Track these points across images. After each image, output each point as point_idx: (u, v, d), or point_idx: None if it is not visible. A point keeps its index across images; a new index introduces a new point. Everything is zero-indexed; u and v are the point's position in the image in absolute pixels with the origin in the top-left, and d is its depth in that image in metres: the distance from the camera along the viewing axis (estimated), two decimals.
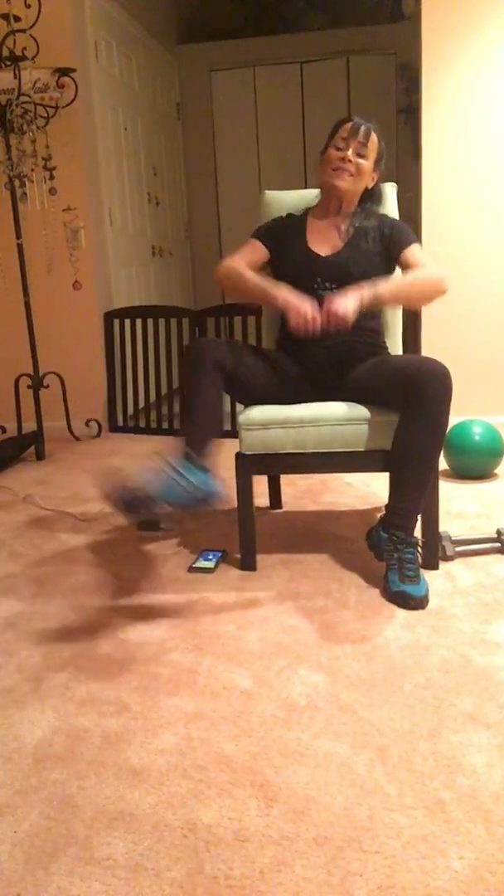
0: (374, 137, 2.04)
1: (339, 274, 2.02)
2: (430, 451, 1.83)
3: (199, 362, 1.90)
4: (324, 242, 2.09)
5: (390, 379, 1.89)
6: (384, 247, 2.07)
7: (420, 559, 1.91)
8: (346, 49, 5.32)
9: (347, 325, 1.83)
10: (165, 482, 1.67)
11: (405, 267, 2.07)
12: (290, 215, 2.20)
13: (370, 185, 2.11)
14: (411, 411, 1.82)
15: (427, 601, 1.80)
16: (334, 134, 2.05)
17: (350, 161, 2.02)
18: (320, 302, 1.96)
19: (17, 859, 1.07)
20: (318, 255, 2.07)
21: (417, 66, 3.47)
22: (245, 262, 2.08)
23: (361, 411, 1.94)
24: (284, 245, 2.11)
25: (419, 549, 1.92)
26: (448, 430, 2.82)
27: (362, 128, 2.01)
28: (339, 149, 2.03)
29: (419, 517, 1.92)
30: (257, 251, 2.13)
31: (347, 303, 1.82)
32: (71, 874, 1.04)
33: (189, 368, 1.92)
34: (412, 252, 2.06)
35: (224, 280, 2.06)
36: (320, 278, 2.04)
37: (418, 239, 2.15)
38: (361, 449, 1.95)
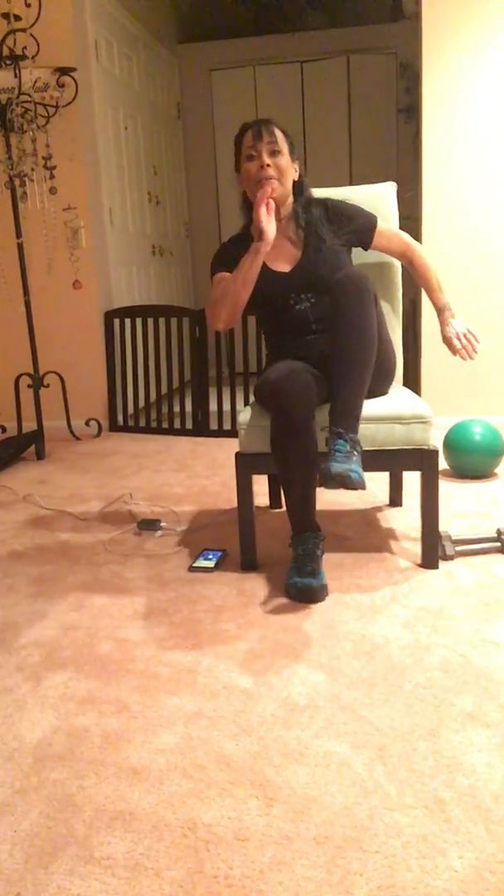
0: (276, 131, 1.99)
1: (309, 282, 2.01)
2: (360, 352, 1.81)
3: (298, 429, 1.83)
4: (280, 258, 2.05)
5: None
6: (347, 234, 2.05)
7: (355, 456, 1.76)
8: (346, 48, 5.32)
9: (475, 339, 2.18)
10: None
11: (386, 249, 2.14)
12: (233, 239, 2.12)
13: (295, 178, 2.06)
14: (335, 321, 1.84)
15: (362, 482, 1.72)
16: (239, 147, 2.01)
17: (269, 165, 1.96)
18: (303, 317, 2.02)
19: (17, 858, 1.07)
20: (281, 272, 2.04)
21: (418, 65, 3.47)
22: None
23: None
24: None
25: (356, 445, 1.79)
26: (448, 430, 2.82)
27: (262, 127, 1.97)
28: (251, 157, 1.98)
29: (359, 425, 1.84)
30: None
31: (460, 327, 2.17)
32: (71, 873, 1.04)
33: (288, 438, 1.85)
34: (386, 232, 2.07)
35: (222, 302, 1.97)
36: (292, 293, 2.02)
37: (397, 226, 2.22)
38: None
